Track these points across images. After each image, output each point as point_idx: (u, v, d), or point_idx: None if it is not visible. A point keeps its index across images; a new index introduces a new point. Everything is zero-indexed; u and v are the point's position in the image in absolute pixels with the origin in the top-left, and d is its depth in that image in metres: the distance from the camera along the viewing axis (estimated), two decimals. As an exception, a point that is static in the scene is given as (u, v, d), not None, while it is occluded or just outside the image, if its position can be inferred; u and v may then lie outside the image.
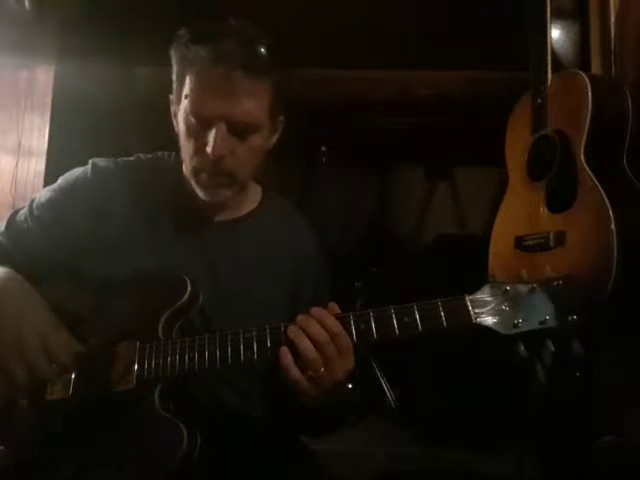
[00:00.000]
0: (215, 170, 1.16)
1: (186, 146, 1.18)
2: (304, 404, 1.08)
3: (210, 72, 1.11)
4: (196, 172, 1.18)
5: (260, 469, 1.19)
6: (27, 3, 2.05)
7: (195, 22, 1.16)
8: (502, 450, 2.04)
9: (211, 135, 1.12)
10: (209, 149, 1.12)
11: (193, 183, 1.20)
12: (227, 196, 1.22)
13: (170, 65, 1.24)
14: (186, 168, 1.24)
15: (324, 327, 1.02)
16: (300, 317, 1.04)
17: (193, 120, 1.14)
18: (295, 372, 1.02)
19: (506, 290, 0.99)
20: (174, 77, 1.19)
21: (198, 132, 1.15)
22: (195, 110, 1.13)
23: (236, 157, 1.16)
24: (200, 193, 1.20)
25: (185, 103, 1.15)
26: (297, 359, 1.02)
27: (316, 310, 1.04)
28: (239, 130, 1.14)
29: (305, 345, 1.01)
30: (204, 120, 1.13)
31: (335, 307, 1.07)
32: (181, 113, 1.17)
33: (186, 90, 1.15)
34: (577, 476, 1.52)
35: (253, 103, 1.13)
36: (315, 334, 1.01)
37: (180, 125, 1.19)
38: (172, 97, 1.23)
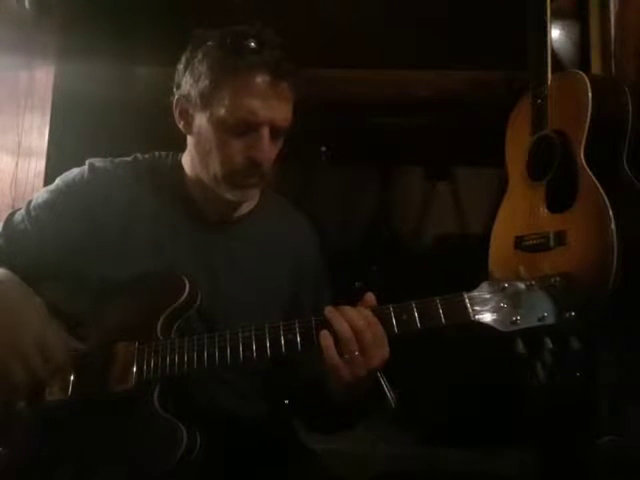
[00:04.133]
0: (253, 172, 1.20)
1: (219, 149, 1.19)
2: (335, 393, 1.08)
3: (255, 79, 1.15)
4: (231, 174, 1.20)
5: (260, 469, 1.18)
6: (27, 3, 2.05)
7: (223, 28, 1.20)
8: (502, 450, 2.04)
9: (256, 139, 1.17)
10: (258, 153, 1.17)
11: (222, 185, 1.21)
12: (253, 195, 1.27)
13: (172, 65, 1.24)
14: (209, 169, 1.22)
15: (360, 314, 1.02)
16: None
17: (235, 124, 1.16)
18: (334, 355, 1.01)
19: (504, 287, 0.99)
20: (197, 81, 1.19)
21: (237, 136, 1.17)
22: (240, 115, 1.15)
23: (271, 159, 1.21)
24: (228, 194, 1.22)
25: (222, 108, 1.16)
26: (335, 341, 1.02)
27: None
28: (275, 133, 1.19)
29: (343, 326, 1.01)
30: (249, 124, 1.16)
31: (372, 298, 1.06)
32: (211, 117, 1.18)
33: (225, 95, 1.16)
34: (577, 476, 1.52)
35: (290, 108, 1.20)
36: (352, 319, 1.01)
37: (208, 129, 1.19)
38: (177, 98, 1.24)
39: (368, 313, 1.03)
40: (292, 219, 1.40)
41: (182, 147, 1.31)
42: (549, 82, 1.53)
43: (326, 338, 1.02)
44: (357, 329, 1.00)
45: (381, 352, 1.02)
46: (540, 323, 0.96)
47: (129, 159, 1.34)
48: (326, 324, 1.02)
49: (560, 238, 1.41)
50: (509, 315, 0.97)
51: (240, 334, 1.07)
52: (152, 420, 1.06)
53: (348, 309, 1.03)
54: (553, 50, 1.59)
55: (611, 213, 1.31)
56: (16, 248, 1.26)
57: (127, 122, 2.28)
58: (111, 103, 2.25)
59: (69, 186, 1.28)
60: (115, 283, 1.19)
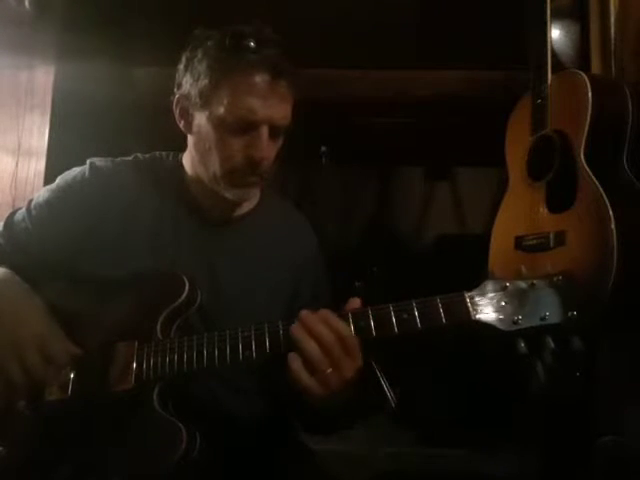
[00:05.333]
0: (253, 171, 1.20)
1: (218, 148, 1.19)
2: (314, 406, 1.05)
3: (254, 78, 1.15)
4: (231, 173, 1.20)
5: (259, 469, 1.18)
6: (27, 3, 2.05)
7: (223, 28, 1.20)
8: (502, 450, 2.04)
9: (256, 138, 1.17)
10: (257, 151, 1.17)
11: (221, 184, 1.21)
12: (252, 194, 1.27)
13: (172, 65, 1.24)
14: (209, 169, 1.22)
15: (329, 328, 0.99)
16: (304, 313, 1.01)
17: (234, 123, 1.16)
18: (304, 376, 0.99)
19: (506, 286, 0.98)
20: (196, 81, 1.19)
21: (237, 135, 1.17)
22: (240, 114, 1.15)
23: (270, 158, 1.21)
24: (227, 193, 1.22)
25: (222, 107, 1.16)
26: (304, 361, 0.99)
27: (322, 311, 1.02)
28: (275, 132, 1.19)
29: (310, 346, 0.98)
30: (248, 123, 1.16)
31: (356, 302, 1.04)
32: (210, 116, 1.18)
33: (225, 94, 1.16)
34: (577, 476, 1.52)
35: (289, 107, 1.20)
36: (321, 335, 0.98)
37: (208, 128, 1.19)
38: (177, 98, 1.24)
39: (338, 324, 0.99)
40: (292, 219, 1.40)
41: (182, 147, 1.31)
42: (549, 82, 1.53)
43: (294, 360, 0.99)
44: (326, 345, 0.98)
45: (353, 363, 1.00)
46: (542, 322, 0.95)
47: (129, 159, 1.34)
48: (293, 343, 0.99)
49: (560, 238, 1.41)
50: (511, 314, 0.96)
51: (240, 334, 1.06)
52: (152, 420, 1.06)
53: (315, 323, 0.99)
54: (553, 50, 1.59)
55: (611, 213, 1.31)
56: (17, 247, 1.26)
57: (127, 122, 2.28)
58: (111, 103, 2.25)
59: (70, 185, 1.29)
60: (115, 282, 1.19)
